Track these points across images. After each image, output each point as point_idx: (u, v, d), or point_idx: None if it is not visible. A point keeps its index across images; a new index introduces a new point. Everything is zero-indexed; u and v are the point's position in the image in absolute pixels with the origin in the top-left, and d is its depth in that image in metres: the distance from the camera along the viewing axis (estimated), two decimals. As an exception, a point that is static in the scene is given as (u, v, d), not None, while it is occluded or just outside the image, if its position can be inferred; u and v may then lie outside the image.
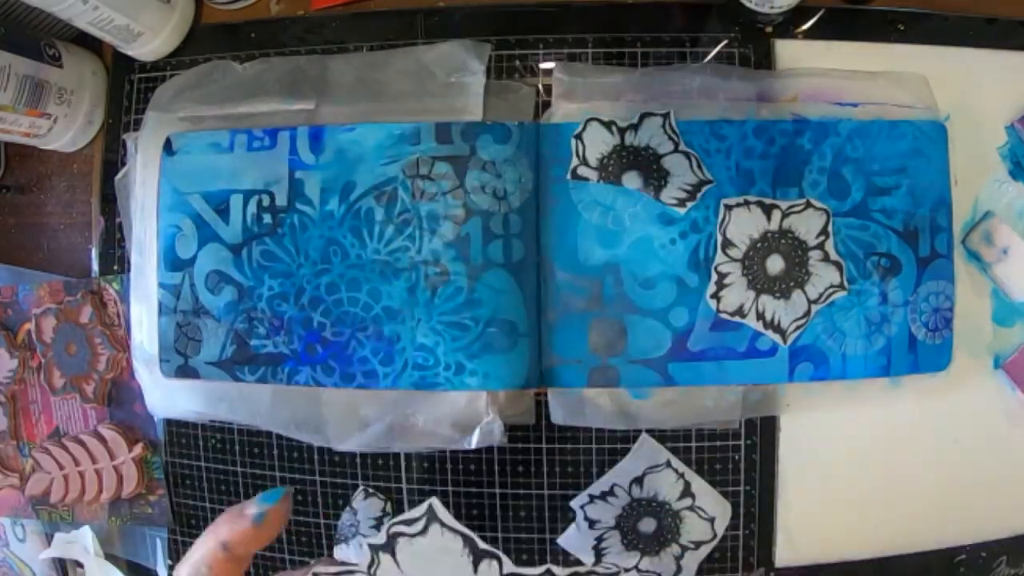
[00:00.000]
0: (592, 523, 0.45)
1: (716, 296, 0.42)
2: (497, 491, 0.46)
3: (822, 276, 0.42)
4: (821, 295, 0.42)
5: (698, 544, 0.45)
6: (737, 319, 0.42)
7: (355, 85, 0.46)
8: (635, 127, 0.42)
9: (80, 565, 0.53)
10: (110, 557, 0.52)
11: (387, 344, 0.43)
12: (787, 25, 0.45)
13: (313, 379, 0.44)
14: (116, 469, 0.50)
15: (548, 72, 0.45)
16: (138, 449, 0.50)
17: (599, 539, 0.45)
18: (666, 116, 0.42)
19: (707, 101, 0.43)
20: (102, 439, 0.51)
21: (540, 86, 0.46)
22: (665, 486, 0.45)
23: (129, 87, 0.51)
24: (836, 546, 0.45)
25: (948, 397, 0.44)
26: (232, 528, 0.29)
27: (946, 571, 0.45)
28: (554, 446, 0.46)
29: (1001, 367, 0.44)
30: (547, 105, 0.45)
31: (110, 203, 0.50)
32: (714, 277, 0.42)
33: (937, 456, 0.45)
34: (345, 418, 0.45)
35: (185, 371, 0.45)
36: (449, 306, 0.42)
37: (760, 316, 0.42)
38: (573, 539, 0.46)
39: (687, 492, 0.45)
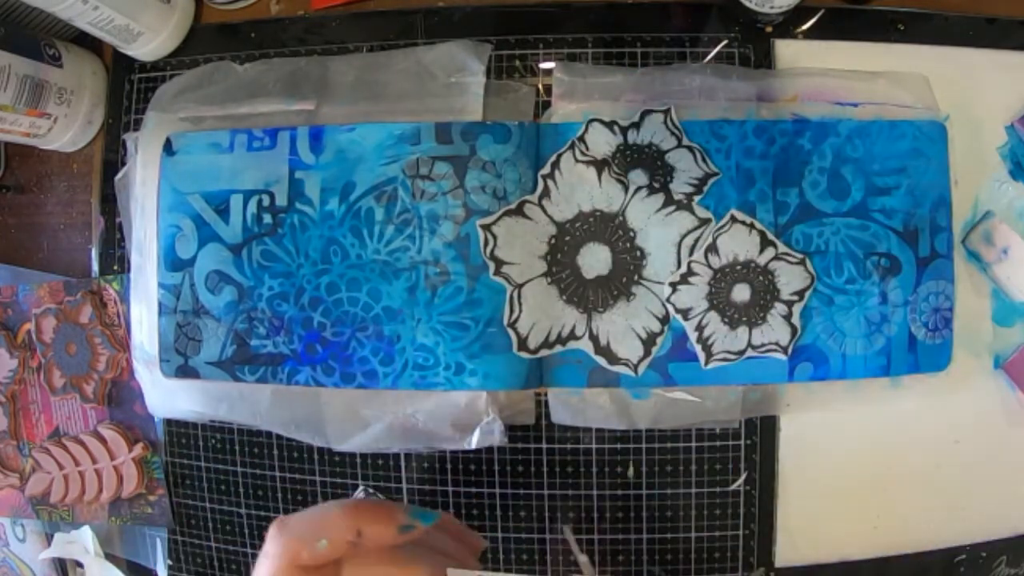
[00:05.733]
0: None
1: (674, 286, 0.42)
2: (497, 491, 0.46)
3: (774, 330, 0.42)
4: (762, 346, 0.42)
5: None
6: (678, 318, 0.42)
7: (355, 85, 0.46)
8: (637, 125, 0.43)
9: (80, 565, 0.53)
10: (110, 557, 0.52)
11: (387, 344, 0.43)
12: (787, 25, 0.45)
13: (313, 379, 0.44)
14: (116, 469, 0.50)
15: (548, 72, 0.46)
16: (138, 449, 0.50)
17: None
18: (667, 112, 0.42)
19: (707, 101, 0.43)
20: (102, 439, 0.51)
21: (540, 86, 0.46)
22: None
23: (129, 87, 0.51)
24: (836, 546, 0.45)
25: (948, 397, 0.44)
26: (376, 523, 0.28)
27: (946, 571, 0.45)
28: (554, 446, 0.46)
29: (1001, 367, 0.44)
30: (547, 105, 0.45)
31: (110, 203, 0.50)
32: (683, 268, 0.42)
33: (937, 456, 0.45)
34: (345, 418, 0.45)
35: (185, 371, 0.45)
36: (449, 306, 0.42)
37: (699, 327, 0.42)
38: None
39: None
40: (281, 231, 0.44)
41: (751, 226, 0.42)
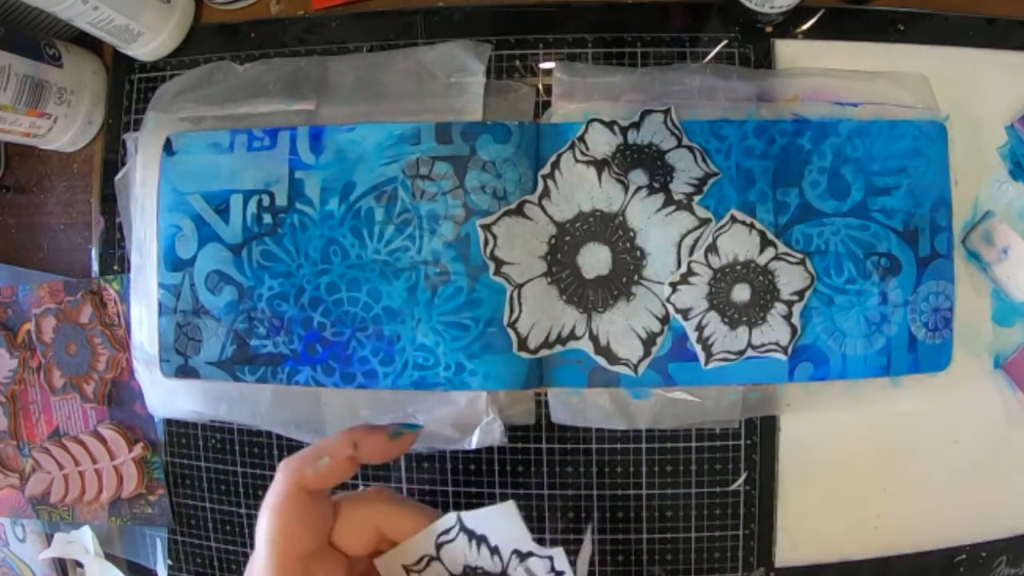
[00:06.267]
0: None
1: (674, 286, 0.42)
2: (497, 491, 0.46)
3: (774, 330, 0.42)
4: (762, 346, 0.42)
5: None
6: (678, 318, 0.42)
7: (355, 85, 0.46)
8: (637, 125, 0.43)
9: (80, 565, 0.53)
10: (110, 557, 0.52)
11: (387, 344, 0.43)
12: (787, 25, 0.45)
13: (313, 379, 0.44)
14: (116, 469, 0.50)
15: (548, 72, 0.46)
16: (138, 449, 0.50)
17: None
18: (667, 112, 0.42)
19: (707, 101, 0.43)
20: (102, 439, 0.51)
21: (540, 86, 0.46)
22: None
23: (129, 87, 0.51)
24: (836, 546, 0.45)
25: (948, 397, 0.44)
26: (368, 434, 0.30)
27: (946, 571, 0.45)
28: (554, 446, 0.46)
29: (1001, 367, 0.44)
30: (547, 105, 0.45)
31: (110, 203, 0.50)
32: (683, 268, 0.42)
33: (937, 456, 0.45)
34: (345, 418, 0.45)
35: (185, 371, 0.45)
36: (449, 306, 0.42)
37: (699, 327, 0.42)
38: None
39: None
40: (281, 231, 0.44)
41: (751, 226, 0.42)
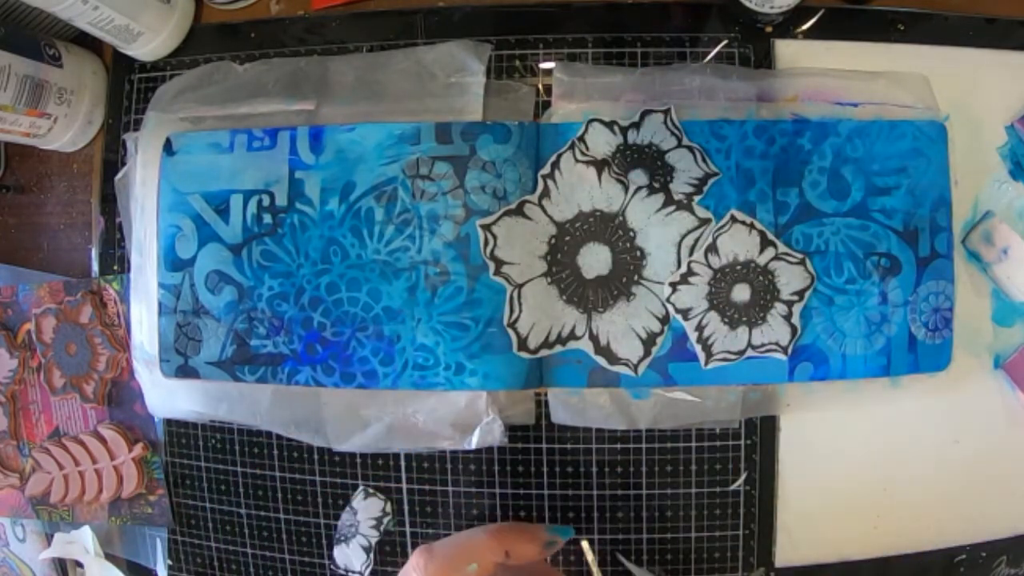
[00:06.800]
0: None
1: (674, 286, 0.42)
2: (497, 491, 0.46)
3: (774, 330, 0.42)
4: (762, 346, 0.42)
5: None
6: (678, 318, 0.42)
7: (355, 85, 0.46)
8: (637, 125, 0.43)
9: (80, 565, 0.53)
10: (110, 557, 0.52)
11: (387, 344, 0.43)
12: (787, 25, 0.45)
13: (313, 379, 0.44)
14: (116, 469, 0.50)
15: (548, 72, 0.46)
16: (138, 449, 0.50)
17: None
18: (667, 112, 0.42)
19: (707, 101, 0.43)
20: (102, 439, 0.51)
21: (540, 86, 0.46)
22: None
23: (129, 87, 0.51)
24: (836, 546, 0.45)
25: (948, 397, 0.44)
26: (522, 542, 0.31)
27: (946, 571, 0.45)
28: (554, 446, 0.46)
29: (1001, 367, 0.44)
30: (547, 105, 0.45)
31: (110, 203, 0.50)
32: (683, 268, 0.42)
33: (937, 456, 0.45)
34: (345, 418, 0.45)
35: (185, 371, 0.45)
36: (449, 306, 0.42)
37: (699, 327, 0.42)
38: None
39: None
40: (281, 231, 0.44)
41: (751, 226, 0.42)
